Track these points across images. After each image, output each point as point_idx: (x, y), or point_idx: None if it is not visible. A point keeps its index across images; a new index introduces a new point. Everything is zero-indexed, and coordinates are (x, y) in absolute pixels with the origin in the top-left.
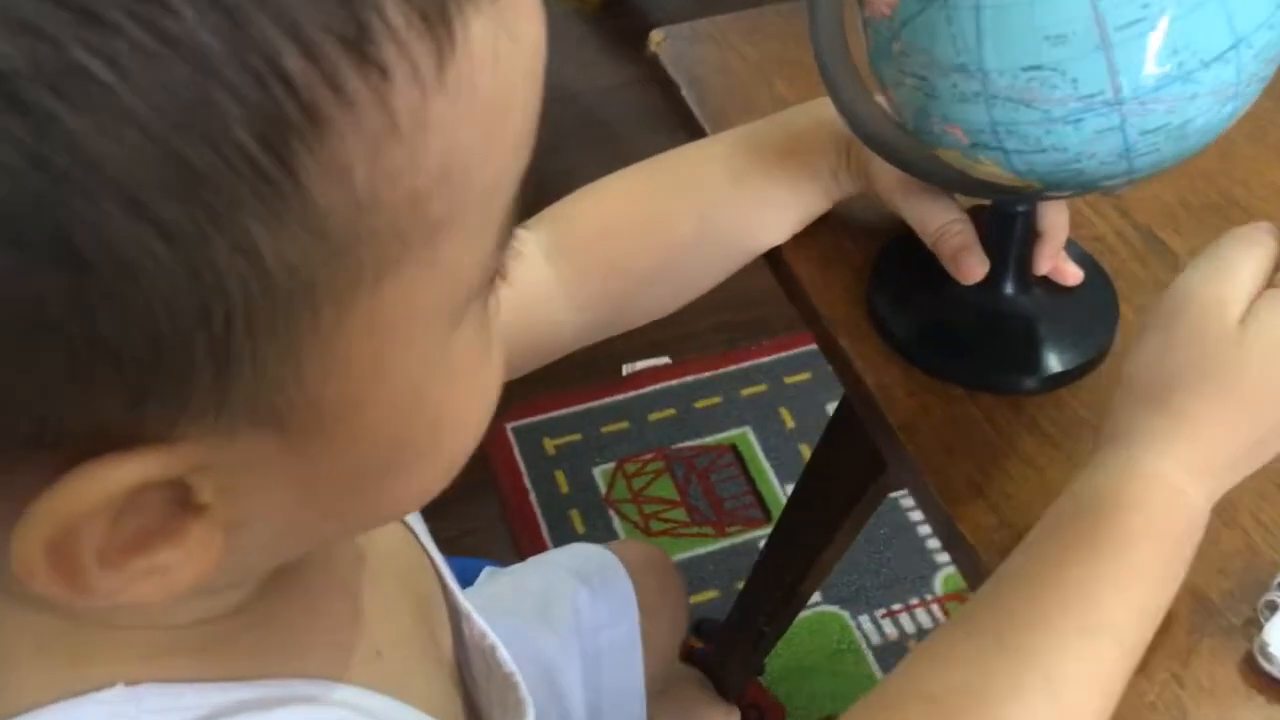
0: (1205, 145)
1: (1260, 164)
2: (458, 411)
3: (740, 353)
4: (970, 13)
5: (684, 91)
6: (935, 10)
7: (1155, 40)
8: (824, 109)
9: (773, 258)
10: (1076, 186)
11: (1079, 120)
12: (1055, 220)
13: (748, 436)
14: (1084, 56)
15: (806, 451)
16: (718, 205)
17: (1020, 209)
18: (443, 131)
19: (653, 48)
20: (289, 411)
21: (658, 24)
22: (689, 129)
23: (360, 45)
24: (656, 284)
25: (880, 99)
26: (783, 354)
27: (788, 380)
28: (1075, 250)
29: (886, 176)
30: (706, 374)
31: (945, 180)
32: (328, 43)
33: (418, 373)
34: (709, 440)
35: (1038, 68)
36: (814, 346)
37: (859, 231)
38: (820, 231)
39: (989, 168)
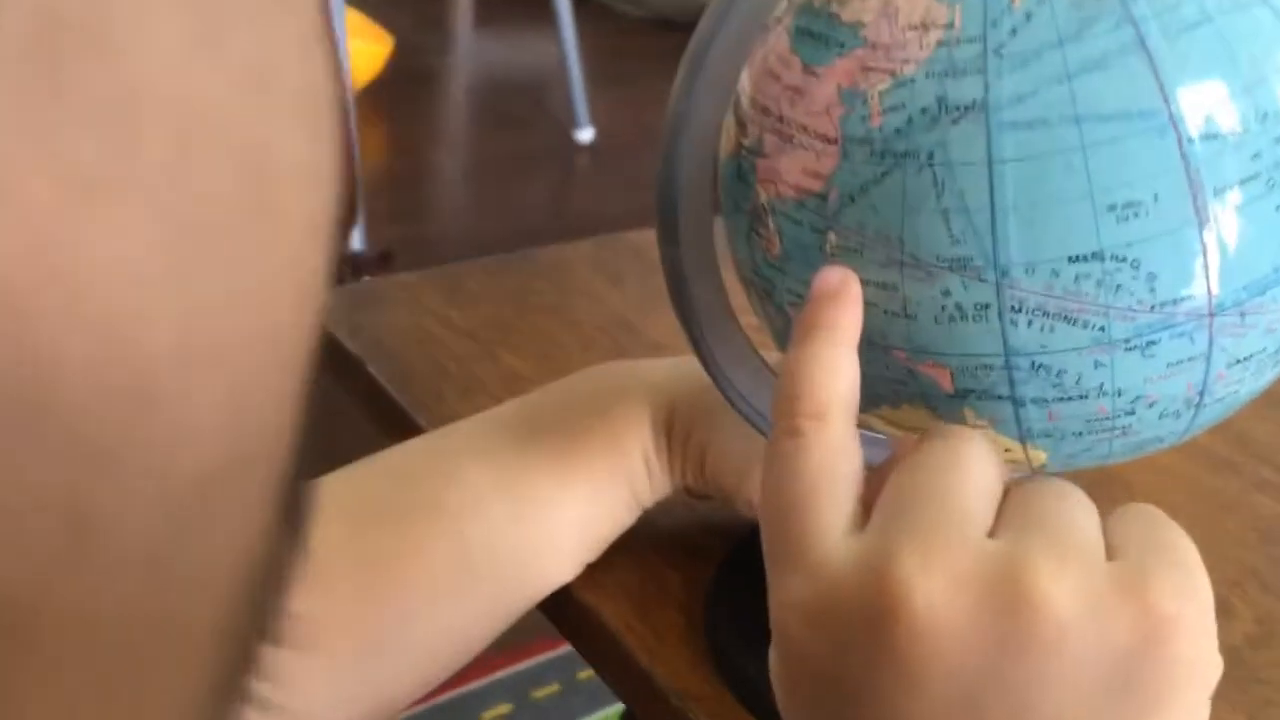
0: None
1: None
2: None
3: None
4: (978, 171)
5: (373, 369)
6: (910, 172)
7: (1269, 212)
8: (623, 374)
9: (556, 601)
10: (1098, 459)
11: (1153, 343)
12: None
13: None
14: (1168, 237)
15: None
16: (485, 529)
17: None
18: None
19: None
20: None
21: None
22: (386, 424)
23: None
24: (394, 657)
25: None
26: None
27: None
28: None
29: (737, 460)
30: None
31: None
32: None
33: None
34: None
35: (1095, 257)
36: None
37: (676, 549)
38: (617, 556)
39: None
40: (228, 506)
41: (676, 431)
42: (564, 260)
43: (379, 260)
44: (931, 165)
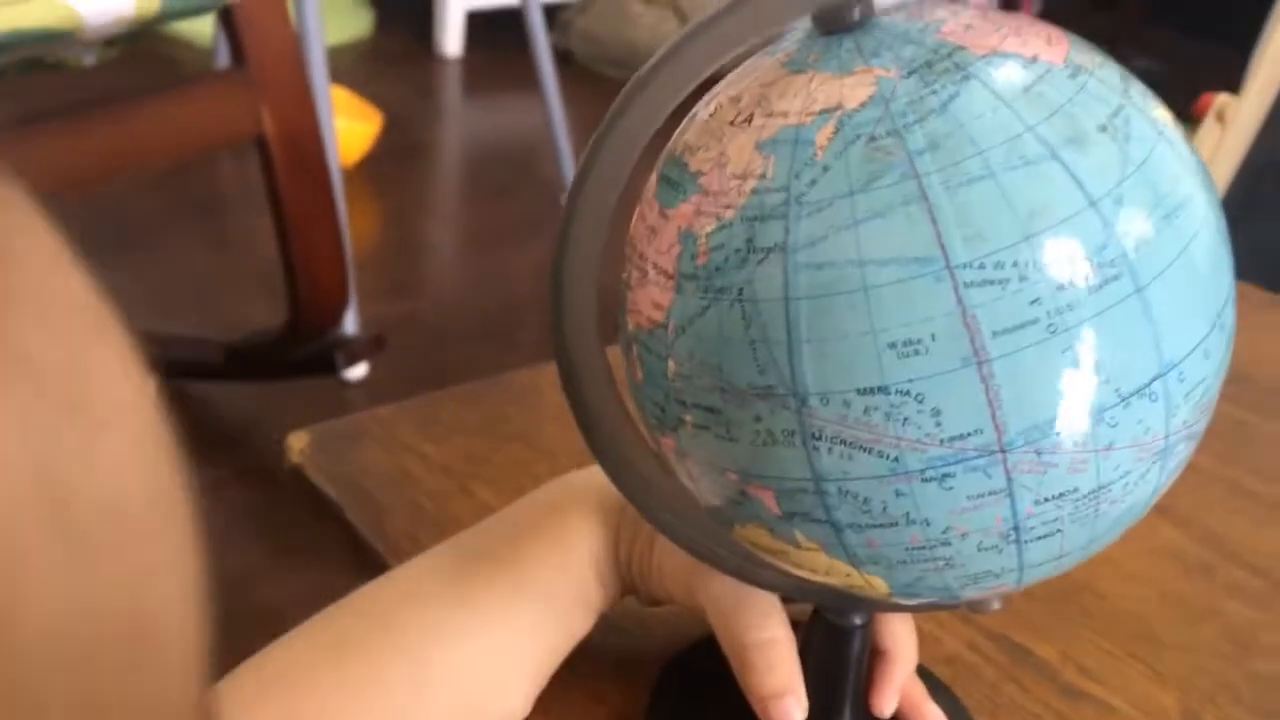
0: (1120, 534)
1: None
2: None
3: None
4: (777, 307)
5: (350, 516)
6: (725, 306)
7: (1054, 355)
8: (576, 481)
9: None
10: (939, 590)
11: (948, 475)
12: (902, 637)
13: None
14: (948, 375)
15: None
16: (444, 644)
17: (856, 622)
18: None
19: (294, 458)
20: None
21: (224, 415)
22: (364, 567)
23: None
24: None
25: (668, 459)
26: None
27: None
28: (927, 679)
29: (675, 568)
30: None
31: (758, 579)
32: None
33: None
34: None
35: (880, 390)
36: None
37: (614, 661)
38: (566, 675)
39: (811, 554)
40: None
41: (624, 536)
42: (533, 385)
43: (372, 344)
44: (741, 300)
